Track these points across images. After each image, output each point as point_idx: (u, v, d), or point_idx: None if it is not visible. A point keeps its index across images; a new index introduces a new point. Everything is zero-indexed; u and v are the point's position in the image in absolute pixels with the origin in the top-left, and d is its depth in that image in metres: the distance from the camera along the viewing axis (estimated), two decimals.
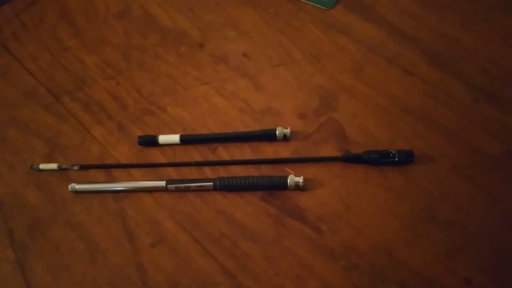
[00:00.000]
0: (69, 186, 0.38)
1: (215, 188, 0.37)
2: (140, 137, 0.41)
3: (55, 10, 0.51)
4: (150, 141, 0.41)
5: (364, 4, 0.47)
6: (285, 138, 0.39)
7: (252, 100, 0.42)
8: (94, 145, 0.41)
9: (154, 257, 0.35)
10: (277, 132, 0.39)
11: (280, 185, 0.37)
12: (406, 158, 0.37)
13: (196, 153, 0.40)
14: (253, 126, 0.41)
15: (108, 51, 0.47)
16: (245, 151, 0.40)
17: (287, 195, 0.37)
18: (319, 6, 0.47)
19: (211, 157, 0.40)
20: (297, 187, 0.37)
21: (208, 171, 0.39)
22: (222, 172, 0.39)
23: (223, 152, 0.40)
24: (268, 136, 0.40)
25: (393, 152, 0.37)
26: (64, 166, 0.40)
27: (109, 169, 0.40)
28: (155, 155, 0.41)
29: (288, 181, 0.36)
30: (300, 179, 0.36)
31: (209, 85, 0.44)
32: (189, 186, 0.37)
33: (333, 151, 0.39)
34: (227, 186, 0.37)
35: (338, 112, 0.41)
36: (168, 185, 0.37)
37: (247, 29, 0.47)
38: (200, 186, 0.37)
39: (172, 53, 0.46)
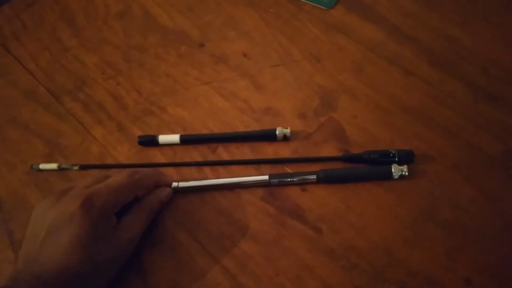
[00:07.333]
0: None
1: (318, 181, 0.37)
2: (140, 137, 0.41)
3: (55, 10, 0.51)
4: (150, 141, 0.41)
5: (364, 4, 0.47)
6: (285, 138, 0.39)
7: (252, 100, 0.42)
8: (94, 145, 0.41)
9: (154, 257, 0.35)
10: (277, 132, 0.39)
11: (385, 175, 0.36)
12: (406, 158, 0.37)
13: (196, 153, 0.40)
14: (253, 126, 0.41)
15: (108, 51, 0.47)
16: (245, 151, 0.40)
17: (287, 195, 0.37)
18: (319, 6, 0.47)
19: (211, 157, 0.40)
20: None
21: (208, 171, 0.39)
22: (222, 172, 0.39)
23: (223, 152, 0.40)
24: (268, 136, 0.40)
25: (393, 152, 0.37)
26: (64, 166, 0.40)
27: (109, 169, 0.40)
28: (155, 155, 0.41)
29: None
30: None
31: (209, 85, 0.44)
32: (293, 180, 0.37)
33: (333, 151, 0.39)
34: (330, 178, 0.37)
35: (338, 112, 0.41)
36: (272, 180, 0.37)
37: (247, 29, 0.47)
38: (303, 179, 0.37)
39: (172, 53, 0.46)
